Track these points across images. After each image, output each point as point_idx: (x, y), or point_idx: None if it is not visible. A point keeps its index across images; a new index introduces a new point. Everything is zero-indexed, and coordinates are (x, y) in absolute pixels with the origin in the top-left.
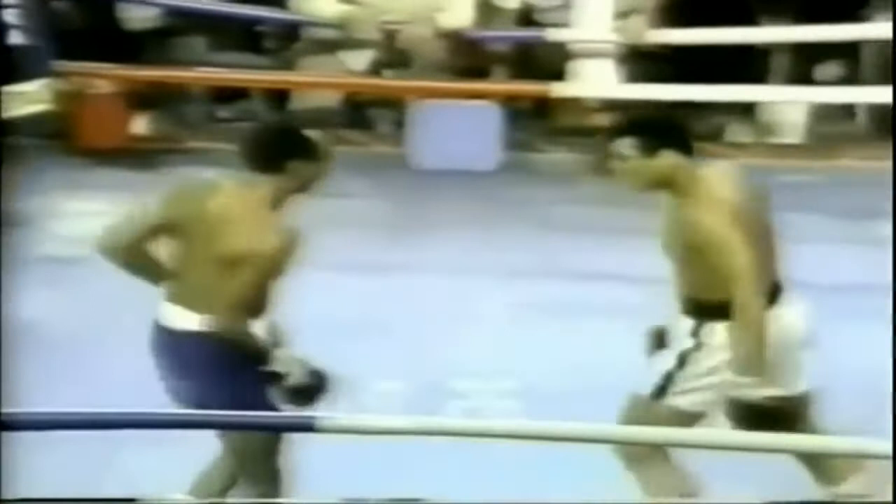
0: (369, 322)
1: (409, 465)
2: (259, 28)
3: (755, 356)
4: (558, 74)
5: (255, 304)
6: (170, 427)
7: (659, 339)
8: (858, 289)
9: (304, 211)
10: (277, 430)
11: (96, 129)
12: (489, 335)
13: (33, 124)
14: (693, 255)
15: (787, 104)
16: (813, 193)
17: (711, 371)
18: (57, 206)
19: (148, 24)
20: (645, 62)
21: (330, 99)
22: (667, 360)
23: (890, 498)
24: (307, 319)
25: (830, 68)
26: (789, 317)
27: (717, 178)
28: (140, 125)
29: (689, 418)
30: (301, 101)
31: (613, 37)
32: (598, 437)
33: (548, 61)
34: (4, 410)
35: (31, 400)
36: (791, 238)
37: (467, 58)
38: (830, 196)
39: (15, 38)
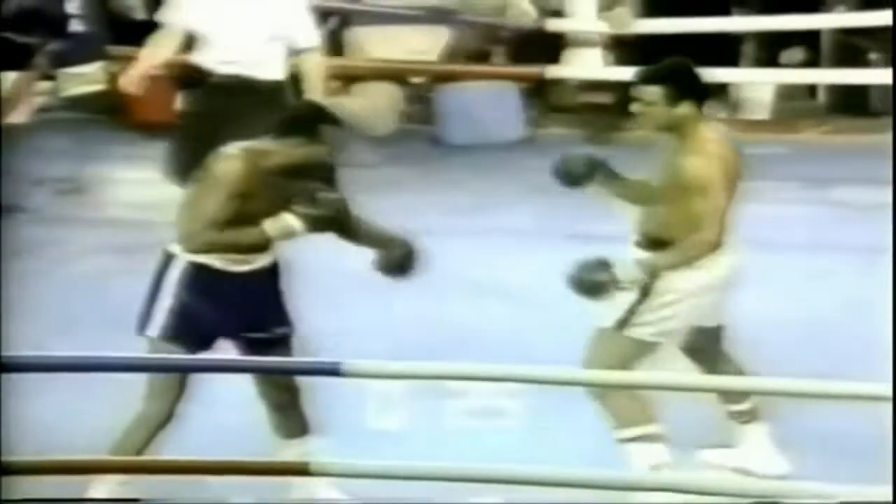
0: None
1: None
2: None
3: (665, 264)
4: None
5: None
6: (199, 371)
7: (600, 269)
8: (811, 246)
9: (353, 180)
10: (305, 374)
11: (146, 106)
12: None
13: (91, 102)
14: (673, 194)
15: (756, 85)
16: (777, 163)
17: (668, 304)
18: (111, 175)
19: None
20: (628, 49)
21: None
22: (628, 293)
23: (890, 498)
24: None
25: (794, 53)
26: (725, 263)
27: (714, 134)
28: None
29: (648, 348)
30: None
31: (602, 27)
32: (565, 380)
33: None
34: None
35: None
36: (756, 201)
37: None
38: (792, 166)
39: (76, 26)
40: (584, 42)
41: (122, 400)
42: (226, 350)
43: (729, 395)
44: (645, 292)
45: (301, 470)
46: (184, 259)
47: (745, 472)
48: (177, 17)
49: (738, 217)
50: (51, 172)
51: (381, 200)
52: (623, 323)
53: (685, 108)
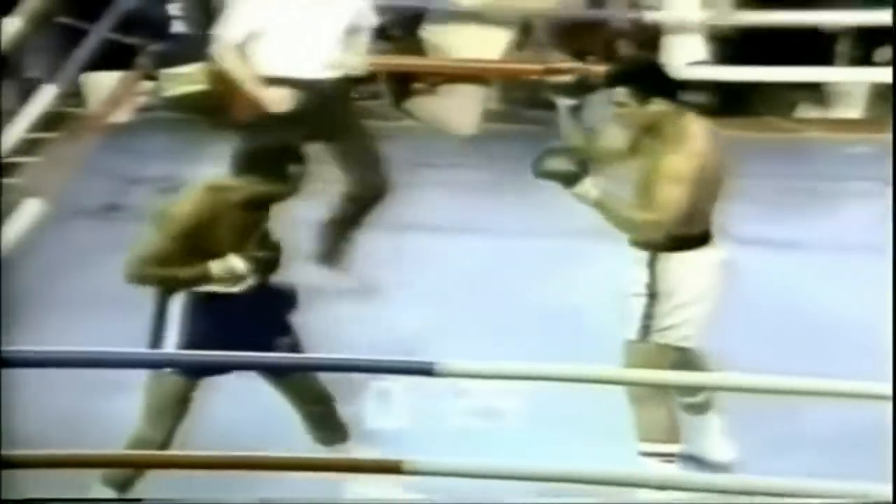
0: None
1: None
2: (384, 18)
3: (604, 203)
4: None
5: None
6: (286, 370)
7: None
8: None
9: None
10: (398, 373)
11: (245, 106)
12: None
13: (191, 102)
14: (654, 189)
15: (850, 83)
16: (871, 163)
17: (683, 305)
18: (211, 174)
19: None
20: (724, 44)
21: None
22: (640, 301)
23: (890, 498)
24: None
25: (887, 51)
26: (705, 261)
27: (696, 128)
28: (281, 105)
29: (678, 353)
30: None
31: (703, 17)
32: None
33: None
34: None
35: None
36: (851, 201)
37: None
38: (883, 165)
39: (177, 27)
40: (684, 32)
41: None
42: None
43: (685, 389)
44: (653, 298)
45: (393, 468)
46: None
47: (698, 461)
48: (237, 28)
49: (726, 214)
50: (150, 172)
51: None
52: (645, 331)
53: (656, 106)
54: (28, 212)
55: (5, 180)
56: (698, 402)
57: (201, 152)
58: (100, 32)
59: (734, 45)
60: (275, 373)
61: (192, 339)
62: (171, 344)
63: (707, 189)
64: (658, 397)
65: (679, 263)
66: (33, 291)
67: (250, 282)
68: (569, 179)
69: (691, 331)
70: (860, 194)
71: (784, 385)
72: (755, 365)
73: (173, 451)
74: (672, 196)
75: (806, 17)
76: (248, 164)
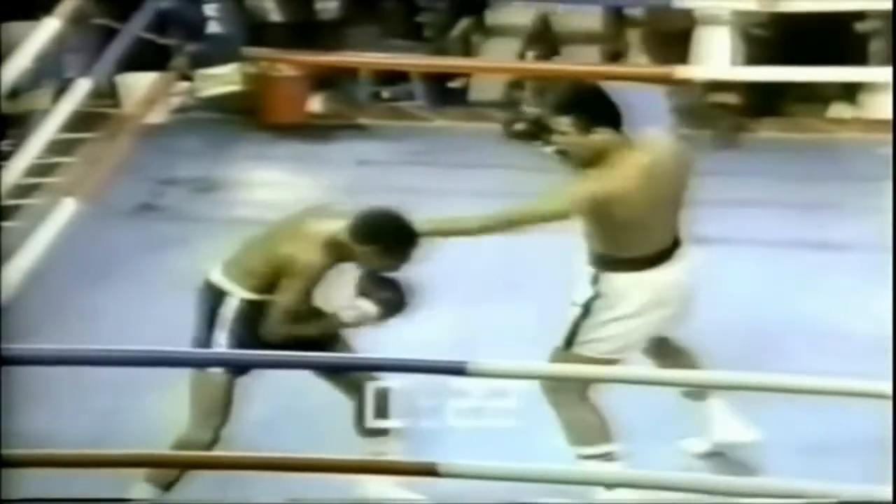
0: None
1: None
2: (420, 19)
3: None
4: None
5: None
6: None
7: None
8: None
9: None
10: (430, 373)
11: (279, 107)
12: None
13: (226, 102)
14: (599, 212)
15: (883, 83)
16: None
17: (615, 320)
18: (245, 175)
19: (330, 16)
20: (756, 44)
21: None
22: (574, 311)
23: (890, 498)
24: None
25: None
26: (653, 279)
27: (638, 159)
28: (316, 104)
29: (603, 364)
30: (478, 89)
31: (748, 5)
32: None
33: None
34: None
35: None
36: (884, 201)
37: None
38: None
39: (213, 28)
40: (714, 23)
41: None
42: None
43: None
44: (586, 311)
45: (429, 471)
46: (238, 296)
47: (726, 447)
48: None
49: (689, 227)
50: (185, 172)
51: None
52: (570, 341)
53: (600, 135)
54: (63, 212)
55: (41, 180)
56: (693, 389)
57: (236, 153)
58: (133, 30)
59: (766, 45)
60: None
61: (241, 344)
62: (220, 344)
63: (642, 219)
64: (577, 402)
65: (620, 282)
66: (68, 291)
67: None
68: None
69: (619, 346)
70: (891, 195)
71: (784, 385)
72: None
73: (202, 452)
74: (538, 218)
75: (838, 3)
76: (370, 236)
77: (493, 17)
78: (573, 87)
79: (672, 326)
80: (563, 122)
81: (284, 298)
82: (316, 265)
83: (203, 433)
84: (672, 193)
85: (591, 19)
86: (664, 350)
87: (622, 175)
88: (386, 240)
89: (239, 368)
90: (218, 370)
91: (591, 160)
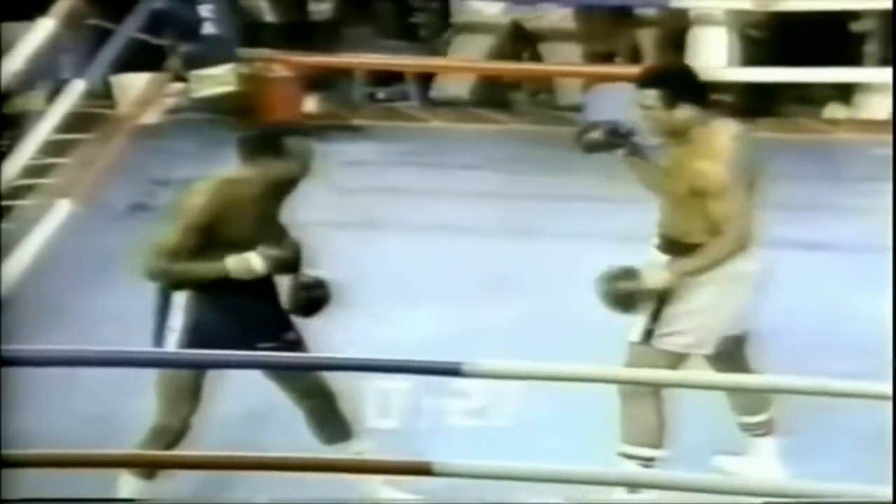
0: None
1: None
2: (414, 19)
3: (694, 269)
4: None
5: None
6: (277, 368)
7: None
8: None
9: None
10: (426, 374)
11: (274, 107)
12: None
13: (221, 103)
14: (689, 198)
15: (879, 84)
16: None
17: (693, 312)
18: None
19: (325, 17)
20: (751, 45)
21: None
22: (650, 303)
23: (890, 498)
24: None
25: None
26: (750, 267)
27: (724, 134)
28: (311, 104)
29: (680, 359)
30: (442, 87)
31: (744, 4)
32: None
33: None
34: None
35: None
36: (879, 202)
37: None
38: None
39: (207, 29)
40: (709, 24)
41: None
42: None
43: (742, 407)
44: (662, 301)
45: (423, 470)
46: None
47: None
48: None
49: (761, 219)
50: (179, 172)
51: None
52: (648, 335)
53: (684, 112)
54: (58, 212)
55: (36, 181)
56: (758, 422)
57: (231, 153)
58: (128, 32)
59: (762, 46)
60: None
61: (197, 325)
62: (176, 329)
63: (746, 195)
64: (648, 399)
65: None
66: (62, 292)
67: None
68: (641, 298)
69: (697, 339)
70: (886, 196)
71: (784, 385)
72: (775, 365)
73: (183, 452)
74: (732, 210)
75: (840, 3)
76: (251, 148)
77: (459, 14)
78: (661, 64)
79: (740, 324)
80: (650, 95)
81: (167, 235)
82: (198, 203)
83: (171, 420)
84: (751, 181)
85: (564, 19)
86: (732, 360)
87: (710, 151)
88: (265, 145)
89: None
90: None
91: (673, 134)
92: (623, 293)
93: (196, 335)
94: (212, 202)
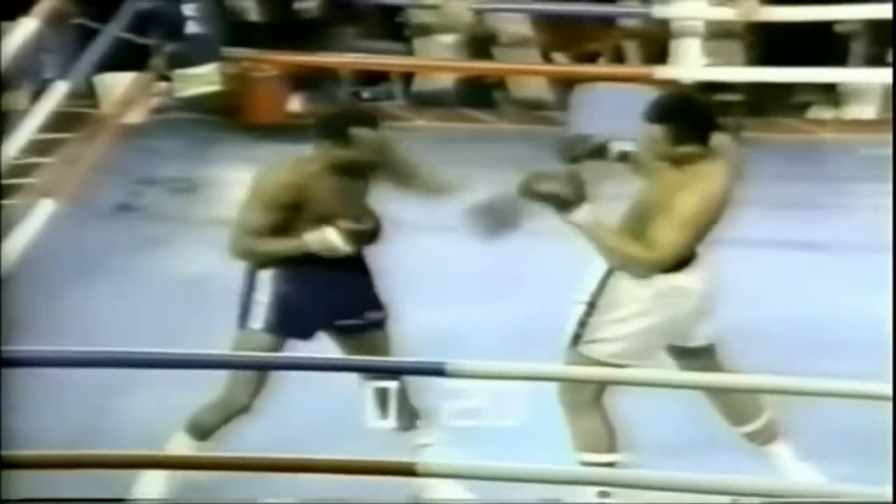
0: None
1: None
2: (399, 19)
3: (598, 235)
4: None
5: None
6: (292, 369)
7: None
8: None
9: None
10: (409, 374)
11: (259, 107)
12: None
13: (205, 102)
14: (645, 213)
15: (864, 84)
16: (885, 164)
17: (620, 321)
18: (223, 175)
19: (310, 16)
20: (744, 44)
21: (446, 80)
22: (579, 309)
23: (890, 498)
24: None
25: None
26: (688, 283)
27: (718, 169)
28: (296, 104)
29: (610, 367)
30: (422, 83)
31: (725, 14)
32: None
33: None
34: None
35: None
36: (867, 205)
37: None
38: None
39: (192, 28)
40: (689, 35)
41: None
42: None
43: (730, 417)
44: (592, 307)
45: (408, 470)
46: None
47: None
48: None
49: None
50: (164, 172)
51: None
52: (576, 339)
53: (689, 148)
54: (41, 212)
55: (19, 181)
56: (757, 429)
57: (216, 153)
58: (112, 31)
59: (747, 46)
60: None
61: (281, 300)
62: (262, 302)
63: (704, 230)
64: (591, 407)
65: (627, 281)
66: (47, 293)
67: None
68: (562, 204)
69: (622, 349)
70: (873, 195)
71: (784, 385)
72: (764, 366)
73: (179, 453)
74: (675, 239)
75: (821, 12)
76: (318, 132)
77: (419, 14)
78: (671, 96)
79: (688, 337)
80: (657, 130)
81: (249, 214)
82: (278, 180)
83: (237, 396)
84: (721, 209)
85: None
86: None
87: (712, 188)
88: (332, 129)
89: (299, 334)
90: (259, 327)
91: (672, 163)
92: (545, 194)
93: (280, 309)
94: (288, 181)
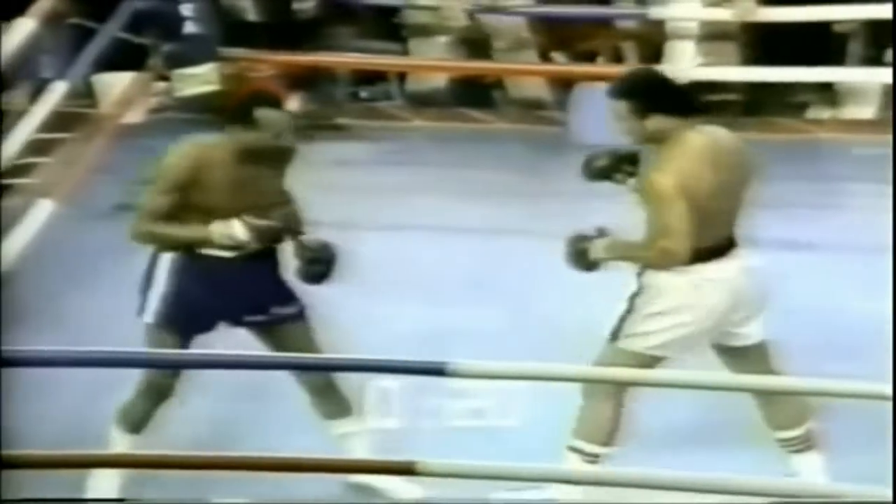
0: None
1: None
2: (396, 20)
3: (613, 253)
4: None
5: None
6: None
7: (579, 243)
8: None
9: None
10: (410, 373)
11: None
12: None
13: (203, 102)
14: (645, 206)
15: (862, 84)
16: (883, 164)
17: (658, 315)
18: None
19: (308, 16)
20: (734, 45)
21: (439, 80)
22: (620, 305)
23: (890, 498)
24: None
25: None
26: (722, 273)
27: (690, 145)
28: (294, 103)
29: (646, 361)
30: (415, 83)
31: (723, 15)
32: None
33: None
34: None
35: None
36: (862, 202)
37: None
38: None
39: (190, 28)
40: (685, 36)
41: None
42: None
43: (775, 421)
44: (630, 303)
45: (406, 470)
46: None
47: None
48: None
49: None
50: None
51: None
52: (615, 334)
53: (656, 122)
54: (40, 212)
55: (18, 181)
56: (794, 436)
57: None
58: (110, 31)
59: (744, 46)
60: (278, 342)
61: (179, 292)
62: (158, 294)
63: (705, 206)
64: (609, 400)
65: (664, 275)
66: (45, 293)
67: (251, 248)
68: (626, 176)
69: (662, 342)
70: (871, 195)
71: (784, 385)
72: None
73: (171, 452)
74: (671, 220)
75: (818, 12)
76: (229, 115)
77: (416, 15)
78: (632, 73)
79: (732, 335)
80: (620, 106)
81: (149, 197)
82: (174, 163)
83: (157, 376)
84: (730, 188)
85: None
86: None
87: (686, 157)
88: (244, 114)
89: (195, 329)
90: (150, 321)
91: (651, 141)
92: (577, 252)
93: (176, 301)
94: (188, 163)
